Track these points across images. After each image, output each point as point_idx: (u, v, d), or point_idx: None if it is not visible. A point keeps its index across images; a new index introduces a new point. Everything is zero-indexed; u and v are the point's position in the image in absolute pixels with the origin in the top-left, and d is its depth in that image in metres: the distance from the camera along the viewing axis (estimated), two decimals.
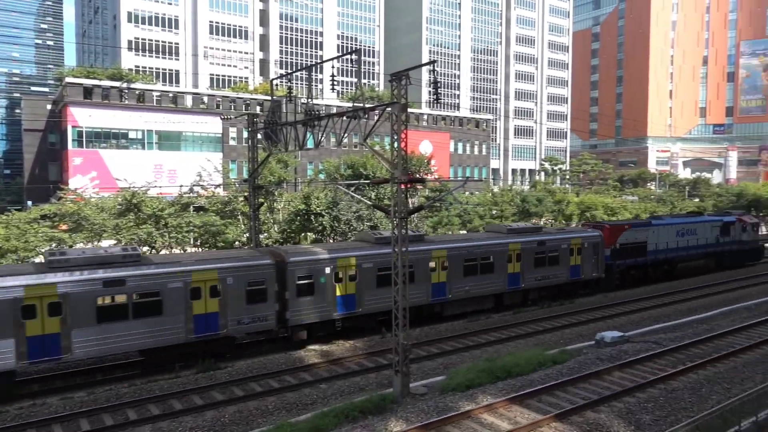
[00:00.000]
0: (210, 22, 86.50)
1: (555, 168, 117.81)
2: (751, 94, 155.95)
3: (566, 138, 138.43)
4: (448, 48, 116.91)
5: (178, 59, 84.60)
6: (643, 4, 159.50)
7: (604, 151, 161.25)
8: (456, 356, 22.23)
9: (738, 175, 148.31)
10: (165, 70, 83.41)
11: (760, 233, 51.26)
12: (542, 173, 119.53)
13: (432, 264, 26.70)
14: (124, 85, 65.69)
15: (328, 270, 23.47)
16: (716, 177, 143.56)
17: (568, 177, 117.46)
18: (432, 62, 17.87)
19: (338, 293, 23.80)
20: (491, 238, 30.31)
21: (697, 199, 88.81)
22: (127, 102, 65.26)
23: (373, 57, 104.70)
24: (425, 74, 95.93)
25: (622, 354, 20.23)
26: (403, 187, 17.11)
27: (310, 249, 25.34)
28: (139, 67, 79.85)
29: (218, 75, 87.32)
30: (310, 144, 23.00)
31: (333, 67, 26.74)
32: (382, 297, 24.39)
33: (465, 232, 46.52)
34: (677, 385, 17.48)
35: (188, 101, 69.99)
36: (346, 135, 20.38)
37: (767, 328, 24.08)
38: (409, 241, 26.28)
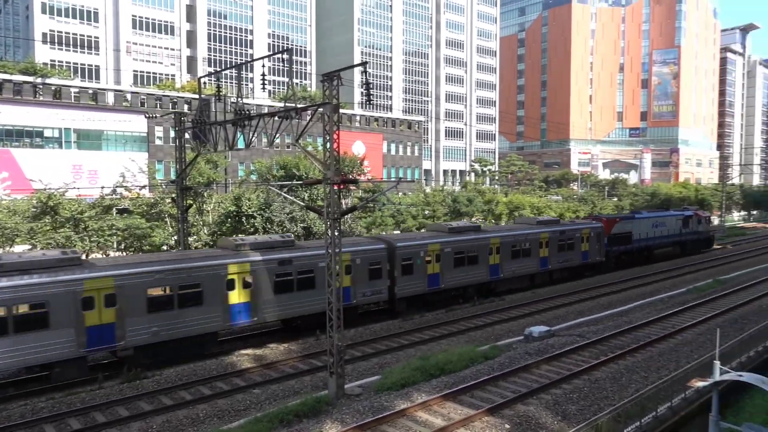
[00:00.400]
0: (133, 15, 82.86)
1: (484, 169, 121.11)
2: (663, 100, 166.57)
3: (495, 140, 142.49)
4: (380, 50, 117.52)
5: (98, 54, 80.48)
6: (565, 13, 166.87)
7: (531, 152, 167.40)
8: (390, 355, 22.36)
9: (652, 175, 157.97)
10: (84, 65, 79.12)
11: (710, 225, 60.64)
12: (472, 174, 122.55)
13: (489, 249, 32.14)
14: (39, 80, 61.73)
15: (422, 253, 28.66)
16: (632, 178, 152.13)
17: (497, 177, 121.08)
18: (364, 63, 17.92)
19: (429, 272, 29.17)
20: (526, 228, 35.85)
21: (615, 199, 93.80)
22: (42, 98, 61.40)
23: (305, 57, 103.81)
24: (357, 75, 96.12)
25: (549, 348, 21.06)
26: (336, 187, 17.06)
27: (409, 236, 31.74)
28: (54, 61, 75.37)
29: (142, 71, 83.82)
30: (240, 144, 22.53)
31: (264, 66, 26.46)
32: (457, 276, 30.50)
33: (398, 232, 46.94)
34: (600, 375, 18.39)
35: (110, 98, 66.62)
36: (277, 135, 20.09)
37: (679, 318, 25.82)
38: (470, 231, 32.68)
